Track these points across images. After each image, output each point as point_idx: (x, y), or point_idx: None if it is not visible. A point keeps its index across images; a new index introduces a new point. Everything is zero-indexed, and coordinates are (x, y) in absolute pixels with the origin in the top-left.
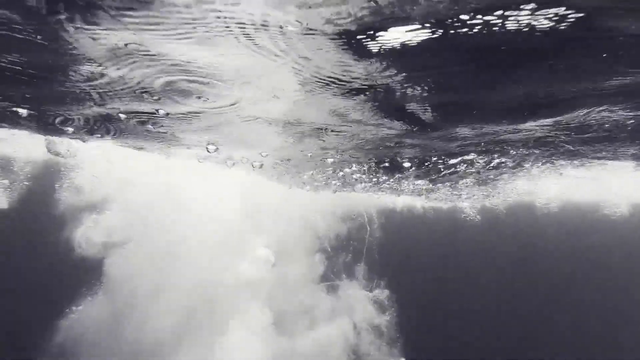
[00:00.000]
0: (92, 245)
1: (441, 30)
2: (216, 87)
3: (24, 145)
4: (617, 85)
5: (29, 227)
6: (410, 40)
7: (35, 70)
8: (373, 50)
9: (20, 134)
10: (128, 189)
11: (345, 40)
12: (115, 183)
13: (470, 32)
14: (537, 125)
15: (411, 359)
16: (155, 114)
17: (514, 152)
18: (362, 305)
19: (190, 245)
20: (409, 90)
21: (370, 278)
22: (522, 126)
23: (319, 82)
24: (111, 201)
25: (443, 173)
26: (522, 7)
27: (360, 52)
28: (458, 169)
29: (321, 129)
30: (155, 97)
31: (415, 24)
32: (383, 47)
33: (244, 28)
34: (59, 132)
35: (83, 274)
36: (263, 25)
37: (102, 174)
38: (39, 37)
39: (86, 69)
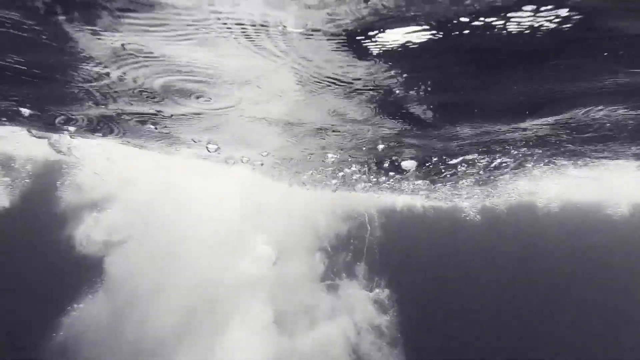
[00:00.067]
0: (92, 243)
1: (442, 32)
2: (217, 88)
3: (24, 143)
4: (617, 84)
5: (30, 225)
6: (410, 41)
7: (38, 70)
8: (373, 51)
9: (21, 132)
10: (129, 187)
11: (346, 41)
12: (116, 181)
13: (470, 33)
14: (538, 125)
15: (412, 359)
16: (156, 114)
17: (515, 152)
18: (362, 304)
19: (190, 244)
20: (409, 91)
21: (371, 277)
22: (522, 125)
23: (319, 82)
24: (112, 200)
25: (444, 174)
26: (522, 8)
27: (361, 53)
28: (459, 170)
29: (321, 129)
30: (156, 98)
31: (415, 24)
32: (383, 47)
33: (244, 29)
34: (61, 131)
35: (84, 272)
36: (263, 25)
37: (103, 172)
38: (42, 37)
39: (88, 69)
